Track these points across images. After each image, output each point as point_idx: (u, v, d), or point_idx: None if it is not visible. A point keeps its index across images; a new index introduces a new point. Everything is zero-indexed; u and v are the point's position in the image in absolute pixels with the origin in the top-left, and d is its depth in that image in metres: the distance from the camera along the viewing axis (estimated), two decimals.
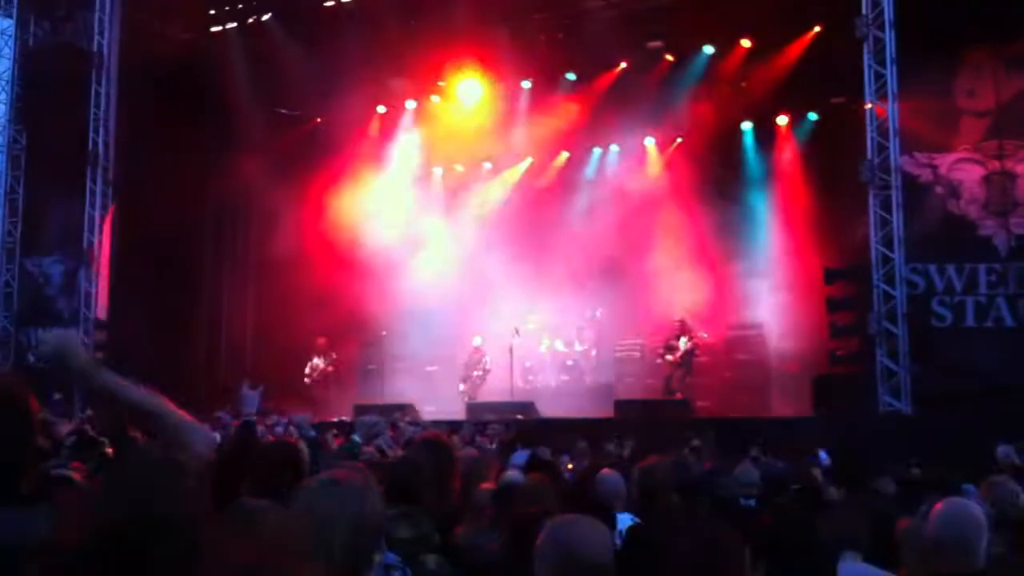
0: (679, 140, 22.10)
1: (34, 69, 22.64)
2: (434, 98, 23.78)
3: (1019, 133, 16.07)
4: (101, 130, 21.38)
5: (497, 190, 23.95)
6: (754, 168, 21.45)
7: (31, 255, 22.26)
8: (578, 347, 22.20)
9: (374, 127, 24.36)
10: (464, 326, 21.91)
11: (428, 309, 21.62)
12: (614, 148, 23.09)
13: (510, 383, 20.05)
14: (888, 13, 16.25)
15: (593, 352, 22.10)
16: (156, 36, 20.23)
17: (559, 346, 22.35)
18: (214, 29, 23.05)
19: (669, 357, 19.57)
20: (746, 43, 20.89)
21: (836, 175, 19.13)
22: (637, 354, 21.21)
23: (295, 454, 6.17)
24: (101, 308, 21.36)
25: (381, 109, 24.20)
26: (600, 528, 3.30)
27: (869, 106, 16.53)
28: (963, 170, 16.24)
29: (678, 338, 19.53)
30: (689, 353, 19.49)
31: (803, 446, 12.30)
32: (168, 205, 20.44)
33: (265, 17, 22.68)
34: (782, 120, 21.40)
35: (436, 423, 15.90)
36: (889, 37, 16.27)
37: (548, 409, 19.30)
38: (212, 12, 22.84)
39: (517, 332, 20.27)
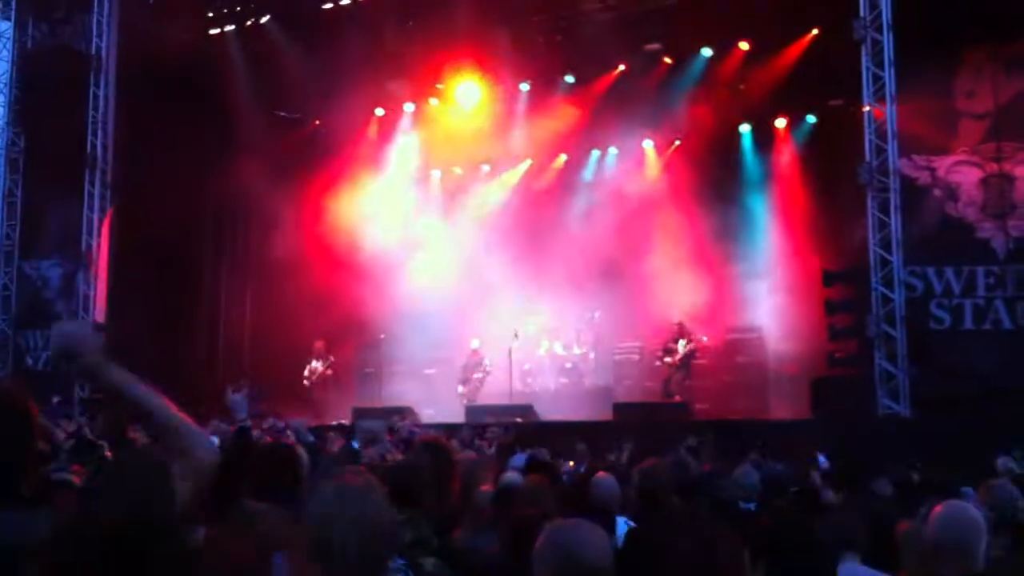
0: (677, 142, 22.10)
1: (32, 71, 22.63)
2: (432, 100, 23.78)
3: (1018, 135, 16.08)
4: (100, 132, 21.37)
5: (496, 192, 23.94)
6: (752, 171, 21.46)
7: (29, 258, 22.25)
8: (577, 350, 22.20)
9: (373, 129, 24.35)
10: (463, 329, 21.90)
11: (427, 312, 21.61)
12: (612, 150, 23.10)
13: (509, 386, 20.04)
14: (886, 15, 16.24)
15: (592, 355, 22.09)
16: (155, 38, 20.20)
17: (558, 349, 22.34)
18: (213, 31, 23.03)
19: (668, 360, 19.57)
20: (744, 45, 20.90)
21: (834, 177, 19.15)
22: (636, 357, 21.21)
23: (292, 456, 6.17)
24: (100, 311, 21.33)
25: (380, 111, 24.19)
26: (599, 532, 3.29)
27: (867, 108, 16.52)
28: (961, 172, 16.25)
29: (677, 341, 19.54)
30: (688, 356, 19.50)
31: (802, 449, 12.32)
32: (167, 207, 20.43)
33: (264, 19, 22.67)
34: (780, 123, 21.41)
35: (435, 426, 15.91)
36: (887, 39, 16.26)
37: (547, 412, 19.32)
38: (211, 14, 22.83)
39: (516, 335, 20.27)
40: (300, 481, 6.02)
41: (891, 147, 16.26)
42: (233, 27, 23.00)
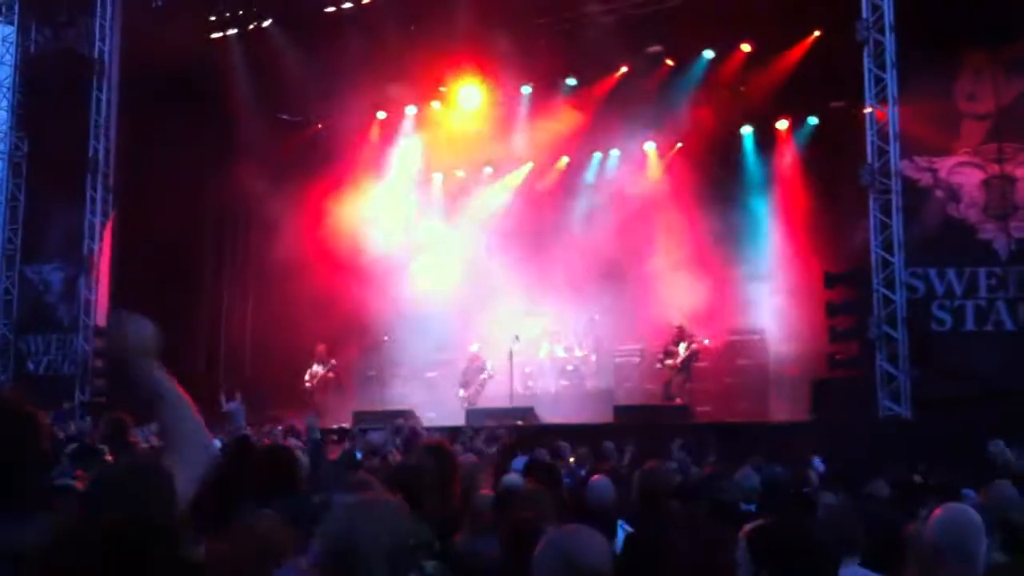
0: (679, 144, 22.09)
1: (35, 76, 22.69)
2: (434, 103, 23.79)
3: (1019, 136, 16.07)
4: (102, 136, 21.43)
5: (498, 195, 23.95)
6: (754, 172, 21.45)
7: (31, 262, 22.29)
8: (578, 352, 22.18)
9: (375, 133, 24.37)
10: (464, 331, 21.89)
11: (428, 314, 21.62)
12: (614, 153, 23.09)
13: (510, 389, 20.03)
14: (888, 17, 16.25)
15: (593, 357, 22.07)
16: (157, 42, 20.21)
17: (559, 351, 22.32)
18: (215, 35, 23.05)
19: (669, 362, 19.54)
20: (746, 47, 20.90)
21: (836, 179, 19.14)
22: (637, 359, 21.17)
23: (291, 460, 6.18)
24: (101, 315, 21.35)
25: (381, 115, 24.21)
26: (598, 537, 3.30)
27: (869, 110, 16.52)
28: (963, 174, 16.24)
29: (677, 343, 19.51)
30: (689, 358, 19.47)
31: (802, 451, 12.32)
32: (168, 211, 20.44)
33: (266, 23, 22.69)
34: (782, 124, 21.39)
35: (436, 429, 15.90)
36: (889, 41, 16.26)
37: (548, 415, 19.31)
38: (212, 18, 22.85)
39: (517, 338, 20.26)
40: (298, 484, 6.03)
41: (893, 148, 16.26)
42: (235, 31, 23.03)
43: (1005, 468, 8.05)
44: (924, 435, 14.27)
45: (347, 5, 21.64)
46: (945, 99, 16.43)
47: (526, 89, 23.00)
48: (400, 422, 15.05)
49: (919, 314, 15.94)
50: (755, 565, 3.50)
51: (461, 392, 20.99)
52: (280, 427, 14.85)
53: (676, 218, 20.73)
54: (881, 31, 16.38)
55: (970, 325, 15.84)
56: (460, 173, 24.48)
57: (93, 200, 21.32)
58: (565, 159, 23.49)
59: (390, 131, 24.41)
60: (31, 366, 21.83)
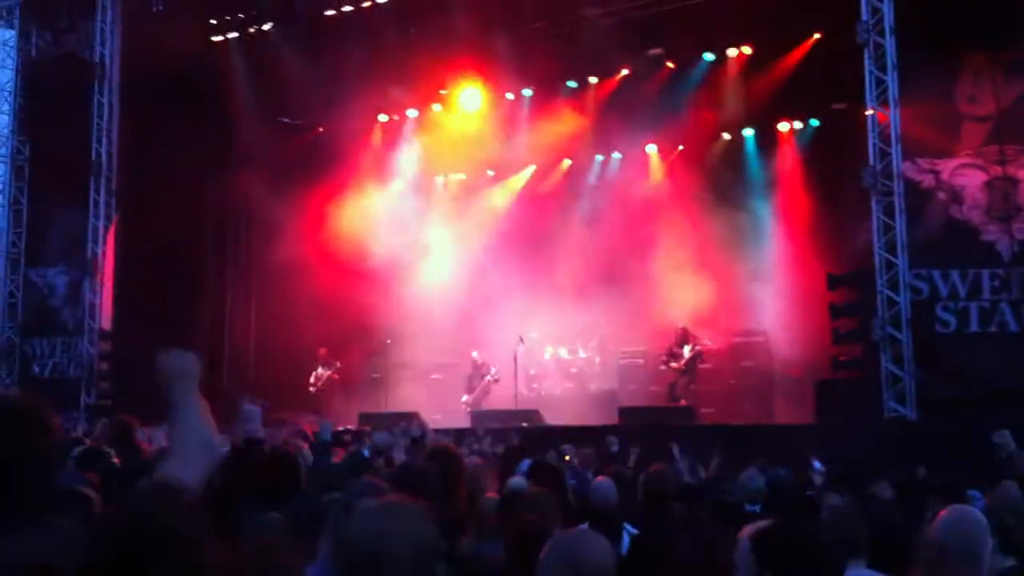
0: (681, 147, 22.11)
1: (36, 80, 22.69)
2: (436, 107, 23.81)
3: (1020, 138, 16.07)
4: (104, 140, 21.43)
5: (500, 198, 23.96)
6: (756, 175, 21.45)
7: (35, 265, 22.30)
8: (582, 354, 22.19)
9: (376, 136, 24.41)
10: (469, 334, 21.90)
11: (432, 317, 21.66)
12: (616, 155, 23.11)
13: (514, 391, 20.05)
14: (888, 19, 16.25)
15: (597, 359, 22.08)
16: (158, 46, 20.22)
17: (563, 353, 22.33)
18: (216, 39, 23.08)
19: (673, 364, 19.53)
20: (747, 50, 20.93)
21: (838, 181, 19.14)
22: (641, 361, 21.18)
23: (292, 463, 6.18)
24: (105, 318, 21.39)
25: (383, 118, 24.24)
26: (603, 541, 3.32)
27: (870, 112, 16.52)
28: (965, 175, 16.24)
29: (682, 345, 19.50)
30: (693, 360, 19.46)
31: (807, 453, 12.32)
32: (170, 214, 20.45)
33: (266, 27, 22.72)
34: (783, 126, 21.40)
35: (444, 431, 15.88)
36: (889, 43, 16.26)
37: (552, 417, 19.31)
38: (213, 22, 22.88)
39: (521, 340, 20.28)
40: (301, 486, 6.04)
41: (895, 150, 16.26)
42: (236, 34, 23.05)
43: (1009, 460, 8.01)
44: (929, 436, 14.27)
45: (348, 9, 21.64)
46: (946, 101, 16.43)
47: (527, 92, 23.03)
48: (413, 425, 15.03)
49: (923, 316, 15.94)
50: (759, 567, 3.50)
51: (465, 397, 21.02)
52: (285, 429, 14.83)
53: (678, 220, 20.73)
54: (881, 33, 16.38)
55: (974, 327, 15.84)
56: (462, 176, 24.50)
57: (96, 203, 21.33)
58: (567, 162, 23.50)
59: (391, 134, 24.43)
60: (36, 369, 21.85)
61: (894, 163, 16.25)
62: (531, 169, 23.82)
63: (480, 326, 21.61)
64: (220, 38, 23.12)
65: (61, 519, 2.66)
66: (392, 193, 24.06)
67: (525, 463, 8.40)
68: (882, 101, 16.39)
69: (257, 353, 24.58)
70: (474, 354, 21.34)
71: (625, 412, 18.62)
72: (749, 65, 20.97)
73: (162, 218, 20.32)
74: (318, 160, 23.45)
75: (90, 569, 2.38)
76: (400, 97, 23.35)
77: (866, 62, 16.49)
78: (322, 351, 21.82)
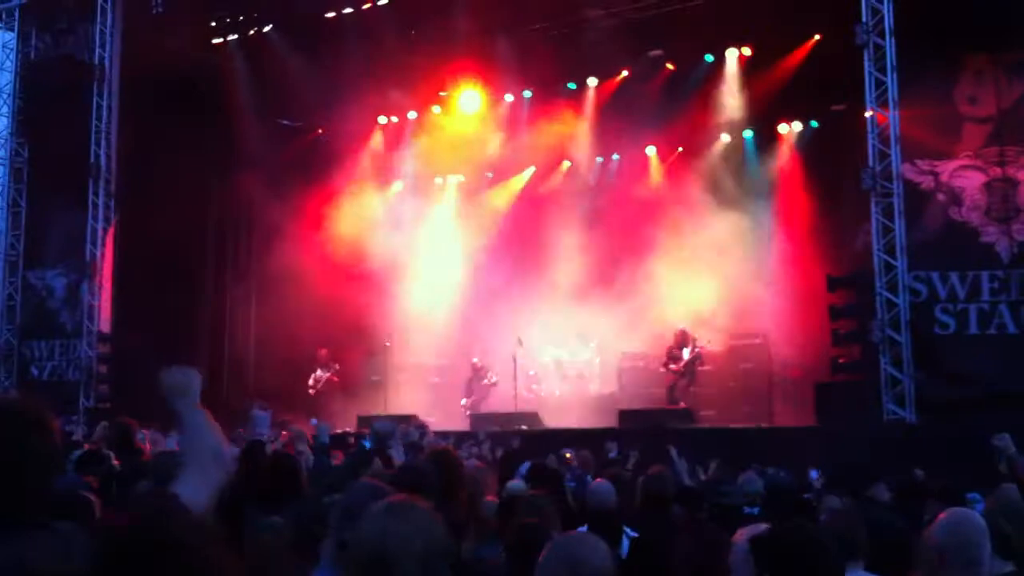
0: (680, 149, 22.12)
1: (36, 82, 22.66)
2: (435, 108, 23.81)
3: (1020, 139, 16.04)
4: (103, 142, 21.41)
5: (499, 199, 23.97)
6: (755, 176, 21.46)
7: (34, 268, 22.28)
8: (581, 356, 22.18)
9: (376, 138, 24.41)
10: (468, 336, 21.93)
11: (432, 319, 21.67)
12: (615, 157, 23.12)
13: (514, 393, 20.05)
14: (888, 20, 16.24)
15: (596, 361, 22.08)
16: (157, 48, 20.25)
17: (562, 355, 22.32)
18: (215, 41, 23.08)
19: (673, 366, 19.54)
20: (747, 51, 20.96)
21: (837, 182, 19.18)
22: (640, 364, 21.19)
23: (294, 467, 6.19)
24: (104, 321, 21.36)
25: (383, 119, 24.25)
26: (602, 545, 3.32)
27: (870, 113, 16.52)
28: (965, 177, 16.23)
29: (681, 347, 19.51)
30: (692, 362, 19.47)
31: (806, 456, 12.32)
32: (170, 217, 20.42)
33: (266, 29, 22.73)
34: (783, 128, 21.42)
35: (443, 434, 15.88)
36: (889, 44, 16.26)
37: (552, 419, 19.32)
38: (213, 24, 22.87)
39: (521, 342, 20.29)
40: (302, 489, 6.04)
41: (894, 152, 16.25)
42: (235, 37, 23.04)
43: (1009, 463, 8.00)
44: (928, 439, 14.26)
45: (347, 11, 21.66)
46: (946, 102, 16.41)
47: (527, 93, 23.04)
48: (411, 428, 15.05)
49: (922, 318, 15.93)
50: (759, 568, 3.51)
51: (464, 401, 21.04)
52: (285, 432, 14.83)
53: (678, 222, 20.73)
54: (881, 35, 16.37)
55: (973, 328, 15.82)
56: (461, 178, 24.50)
57: (95, 206, 21.32)
58: (567, 163, 23.50)
59: (391, 136, 24.45)
60: (35, 372, 21.83)
61: (893, 164, 16.24)
62: (531, 170, 23.83)
63: (479, 328, 21.64)
64: (220, 40, 23.11)
65: (62, 523, 2.66)
66: (392, 195, 24.09)
67: (524, 466, 8.41)
68: (882, 102, 16.38)
69: (257, 355, 24.58)
70: (474, 360, 21.39)
71: (625, 414, 18.60)
72: (749, 66, 20.99)
73: (161, 220, 20.29)
74: (318, 162, 23.48)
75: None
76: (400, 99, 23.35)
77: (866, 63, 16.49)
78: (322, 352, 21.85)
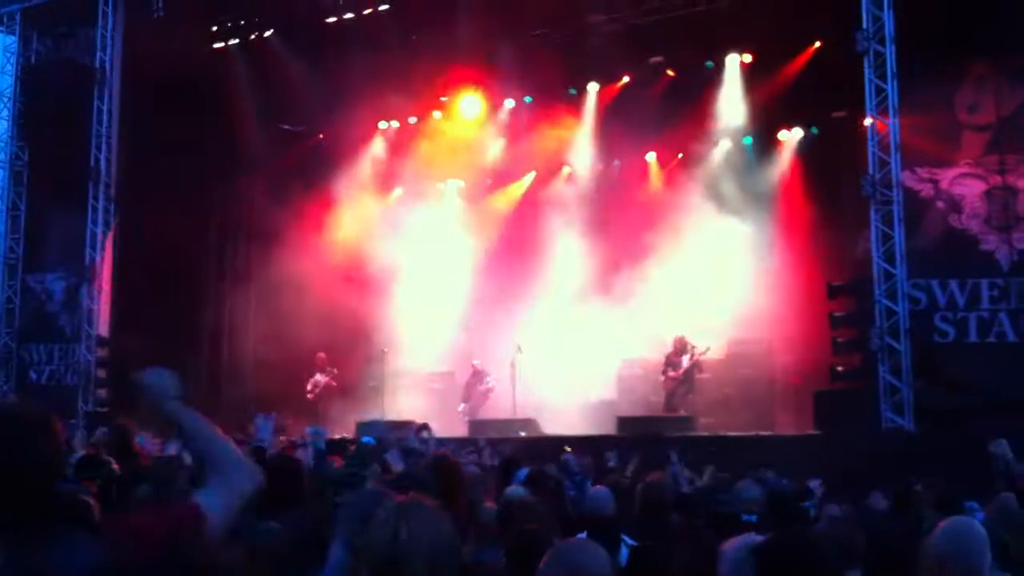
0: (680, 155, 22.13)
1: (36, 85, 22.73)
2: (436, 114, 23.81)
3: (1020, 148, 16.05)
4: (103, 146, 21.46)
5: (500, 205, 23.97)
6: (755, 183, 21.43)
7: (33, 271, 22.31)
8: (581, 363, 22.11)
9: (376, 143, 24.41)
10: (466, 342, 21.93)
11: (430, 325, 21.67)
12: (616, 163, 23.13)
13: (512, 399, 20.03)
14: (888, 27, 16.26)
15: (595, 368, 22.01)
16: (158, 52, 20.27)
17: (561, 362, 22.26)
18: (216, 45, 23.11)
19: (671, 373, 19.54)
20: (747, 58, 20.98)
21: (837, 189, 19.17)
22: (639, 371, 21.18)
23: (296, 470, 6.18)
24: (103, 325, 21.38)
25: (383, 124, 24.25)
26: (601, 551, 3.33)
27: (870, 121, 16.53)
28: (965, 185, 16.24)
29: (680, 355, 19.50)
30: (691, 369, 19.46)
31: (805, 463, 12.32)
32: (170, 221, 20.44)
33: (267, 33, 22.75)
34: (783, 134, 21.41)
35: (441, 441, 15.87)
36: (890, 51, 16.28)
37: (551, 426, 19.30)
38: (214, 28, 22.92)
39: (519, 348, 20.26)
40: (303, 494, 6.03)
41: (894, 159, 16.26)
42: (237, 41, 23.08)
43: (1006, 470, 8.00)
44: (927, 447, 14.26)
45: (349, 16, 21.69)
46: (946, 110, 16.43)
47: (528, 99, 23.06)
48: (410, 436, 15.02)
49: (922, 326, 15.93)
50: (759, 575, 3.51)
51: (462, 406, 21.02)
52: (284, 438, 14.83)
53: (677, 228, 20.73)
54: (881, 42, 16.39)
55: (973, 337, 15.83)
56: (462, 183, 24.49)
57: (95, 209, 21.35)
58: (567, 169, 23.50)
59: (392, 141, 24.45)
60: (33, 376, 21.85)
61: (893, 172, 16.25)
62: (531, 176, 23.83)
63: (478, 334, 21.64)
64: (221, 45, 23.16)
65: (64, 526, 2.66)
66: (392, 200, 24.09)
67: (523, 472, 8.40)
68: (882, 110, 16.39)
69: (256, 360, 24.55)
70: (475, 362, 21.37)
71: (623, 421, 18.59)
72: (749, 73, 21.00)
73: (161, 224, 20.31)
74: (318, 167, 23.50)
75: None
76: (400, 104, 23.32)
77: (866, 70, 16.50)
78: (320, 356, 21.83)
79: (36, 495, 2.61)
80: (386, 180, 24.21)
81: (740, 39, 20.56)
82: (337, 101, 22.05)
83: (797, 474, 11.49)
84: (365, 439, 10.44)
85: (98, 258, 21.34)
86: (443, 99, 23.45)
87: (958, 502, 7.66)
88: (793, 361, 19.65)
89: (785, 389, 19.77)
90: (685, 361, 19.42)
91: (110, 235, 21.62)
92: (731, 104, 21.29)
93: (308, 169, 23.49)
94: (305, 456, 9.11)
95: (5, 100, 23.10)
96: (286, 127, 24.23)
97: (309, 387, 21.78)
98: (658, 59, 21.56)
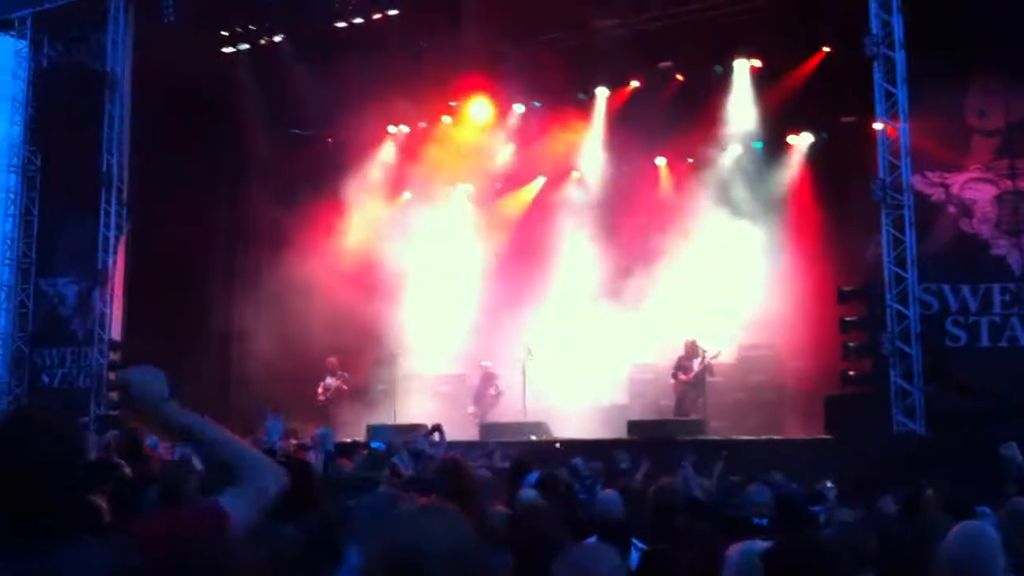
0: (690, 160, 22.12)
1: (48, 90, 22.83)
2: (445, 118, 23.83)
3: None
4: (115, 151, 21.53)
5: (509, 209, 23.98)
6: (765, 187, 21.40)
7: (46, 275, 22.39)
8: (590, 367, 22.09)
9: (386, 148, 24.42)
10: (476, 345, 21.91)
11: (440, 328, 21.68)
12: (625, 167, 23.10)
13: (523, 403, 20.03)
14: (898, 33, 16.27)
15: (606, 372, 22.00)
16: (169, 57, 20.34)
17: (572, 366, 22.24)
18: (226, 50, 23.16)
19: (682, 377, 19.52)
20: (756, 63, 20.96)
21: (847, 194, 19.15)
22: (650, 375, 21.16)
23: (308, 473, 6.18)
24: (115, 328, 21.44)
25: (392, 129, 24.27)
26: (613, 555, 3.33)
27: (880, 125, 16.52)
28: (975, 189, 16.22)
29: (691, 358, 19.49)
30: (702, 373, 19.45)
31: (816, 468, 12.29)
32: (181, 225, 20.51)
33: (277, 39, 22.80)
34: (793, 139, 21.38)
35: (451, 444, 15.87)
36: (899, 57, 16.28)
37: (561, 429, 19.28)
38: (224, 34, 22.97)
39: (530, 352, 20.25)
40: (316, 498, 6.04)
41: (904, 164, 16.25)
42: (246, 46, 23.14)
43: (1017, 473, 7.99)
44: (939, 451, 14.22)
45: (358, 21, 21.72)
46: (955, 115, 16.42)
47: (537, 104, 23.07)
48: (419, 439, 15.04)
49: (933, 330, 15.91)
50: None
51: (471, 409, 21.01)
52: (294, 441, 14.84)
53: (687, 232, 20.73)
54: (891, 47, 16.39)
55: (985, 341, 15.80)
56: (471, 187, 24.50)
57: (107, 214, 21.41)
58: (576, 173, 23.50)
59: (401, 146, 24.46)
60: (46, 379, 21.92)
61: (904, 176, 16.23)
62: (540, 180, 23.83)
63: (489, 337, 21.62)
64: (231, 50, 23.20)
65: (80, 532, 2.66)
66: (401, 204, 24.12)
67: (533, 476, 8.41)
68: (892, 114, 16.39)
69: (266, 363, 24.56)
70: (485, 363, 21.35)
71: (634, 425, 18.57)
72: (759, 78, 20.99)
73: (173, 228, 20.37)
74: (327, 171, 23.52)
75: None
76: (409, 109, 23.35)
77: (876, 76, 16.50)
78: (331, 360, 21.83)
79: (50, 499, 2.61)
80: (395, 184, 24.23)
81: (749, 44, 20.56)
82: (346, 106, 22.10)
83: (808, 478, 11.47)
84: (374, 444, 10.46)
85: (110, 262, 21.41)
86: (452, 104, 23.47)
87: (969, 506, 7.63)
88: (804, 366, 19.60)
89: (796, 393, 19.71)
90: (696, 365, 19.41)
91: (122, 239, 21.68)
92: (740, 109, 21.27)
93: (317, 173, 23.52)
94: (314, 459, 9.12)
95: (17, 105, 23.19)
96: (295, 131, 24.28)
97: (320, 391, 21.78)
98: (667, 64, 21.57)
